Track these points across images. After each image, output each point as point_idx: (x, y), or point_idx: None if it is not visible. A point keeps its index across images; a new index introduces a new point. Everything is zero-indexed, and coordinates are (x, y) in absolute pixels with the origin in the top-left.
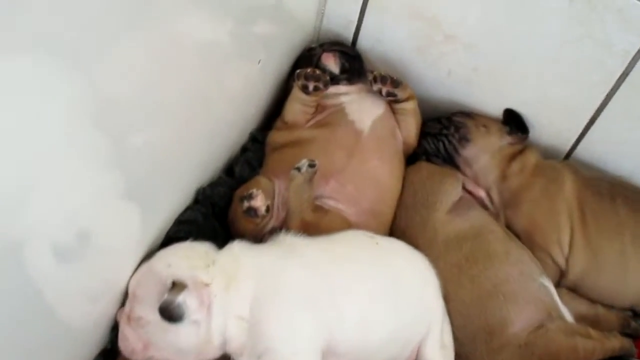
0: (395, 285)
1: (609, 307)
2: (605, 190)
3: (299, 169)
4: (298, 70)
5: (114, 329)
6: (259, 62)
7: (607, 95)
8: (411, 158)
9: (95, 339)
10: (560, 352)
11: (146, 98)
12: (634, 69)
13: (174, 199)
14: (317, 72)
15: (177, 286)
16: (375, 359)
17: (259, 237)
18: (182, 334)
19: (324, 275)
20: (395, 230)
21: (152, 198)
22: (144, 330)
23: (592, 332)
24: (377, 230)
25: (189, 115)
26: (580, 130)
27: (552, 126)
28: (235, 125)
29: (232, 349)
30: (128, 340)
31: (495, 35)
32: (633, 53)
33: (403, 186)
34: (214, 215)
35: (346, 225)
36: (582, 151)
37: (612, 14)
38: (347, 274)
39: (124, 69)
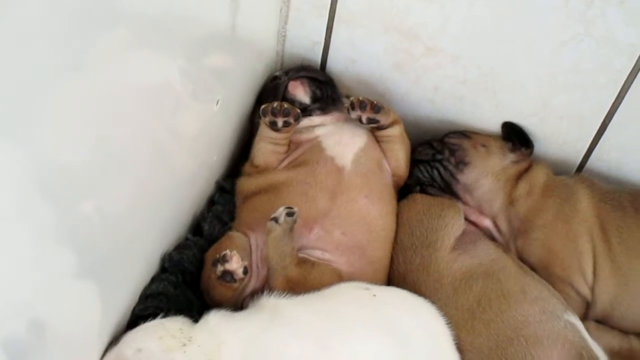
0: (401, 343)
1: None
2: (627, 203)
3: (276, 220)
4: (263, 106)
5: None
6: (217, 103)
7: (618, 96)
8: (403, 191)
9: None
10: None
11: (91, 158)
12: None
13: (136, 270)
14: (285, 105)
15: None
16: None
17: (239, 303)
18: None
19: (317, 339)
20: (394, 276)
21: (111, 273)
22: None
23: None
24: (374, 280)
25: (143, 172)
26: (591, 139)
27: (559, 137)
28: (197, 175)
29: None
30: None
31: (483, 42)
32: None
33: (397, 225)
34: (185, 283)
35: (337, 277)
36: (596, 162)
37: (613, 6)
38: (345, 335)
39: (60, 127)
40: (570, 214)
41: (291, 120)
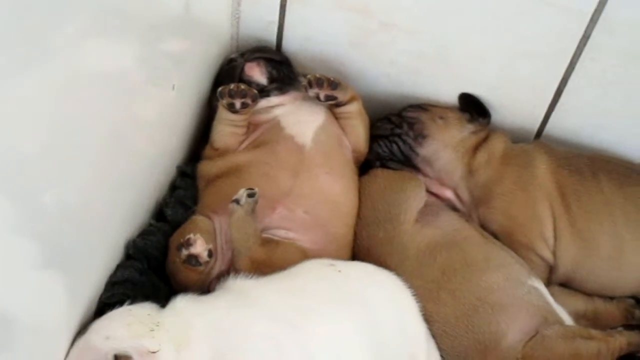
0: (367, 317)
1: (608, 298)
2: (585, 167)
3: (237, 201)
4: (220, 88)
5: None
6: (173, 88)
7: (570, 62)
8: (364, 166)
9: None
10: None
11: (48, 147)
12: (595, 30)
13: (100, 258)
14: (242, 86)
15: None
16: None
17: (205, 286)
18: None
19: (284, 317)
20: (358, 251)
21: (75, 262)
22: None
23: (594, 332)
24: (338, 255)
25: (101, 159)
26: (547, 106)
27: (516, 105)
28: (158, 161)
29: None
30: None
31: (437, 15)
32: (590, 13)
33: (360, 200)
34: (151, 269)
35: (302, 255)
36: (553, 128)
37: None
38: (312, 312)
39: (15, 118)
40: (529, 181)
41: (249, 101)
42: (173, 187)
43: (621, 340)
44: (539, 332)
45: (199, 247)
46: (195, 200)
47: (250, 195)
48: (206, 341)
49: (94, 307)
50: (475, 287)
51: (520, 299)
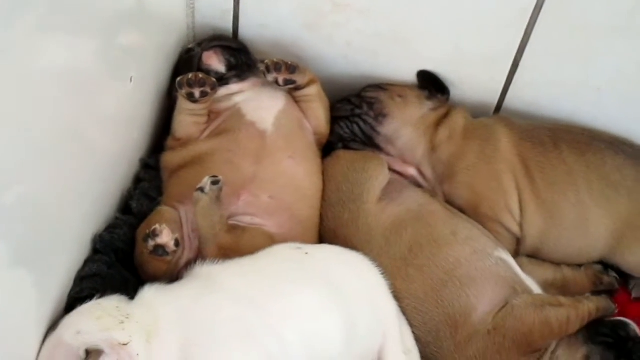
0: (336, 297)
1: (576, 266)
2: (546, 139)
3: (202, 190)
4: (179, 78)
5: None
6: (131, 80)
7: (525, 34)
8: (327, 149)
9: None
10: (533, 330)
11: (7, 146)
12: (547, 1)
13: (68, 254)
14: (201, 75)
15: (91, 355)
16: None
17: (174, 276)
18: None
19: (252, 301)
20: (325, 233)
21: (42, 259)
22: None
23: (563, 299)
24: (305, 239)
25: (62, 156)
26: (504, 79)
27: (474, 80)
28: (120, 155)
29: None
30: None
31: None
32: None
33: (324, 182)
34: (119, 262)
35: (269, 240)
36: (512, 100)
37: None
38: (279, 294)
39: None
40: (492, 154)
41: (208, 89)
42: (137, 180)
43: (590, 305)
44: (508, 302)
45: (166, 237)
46: (160, 191)
47: (215, 183)
48: (175, 329)
49: (63, 303)
50: (442, 262)
51: (488, 271)
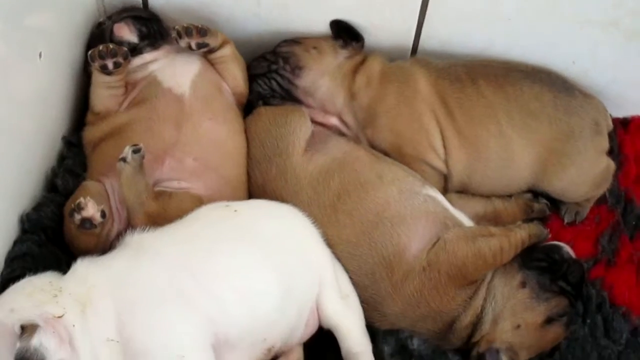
0: (268, 249)
1: (506, 197)
2: (463, 75)
3: (124, 159)
4: (90, 51)
5: None
6: (40, 56)
7: None
8: (248, 108)
9: None
10: (467, 262)
11: None
12: None
13: None
14: (111, 46)
15: (27, 330)
16: (274, 335)
17: (107, 249)
18: None
19: (184, 264)
20: (254, 190)
21: None
22: None
23: (494, 229)
24: (234, 197)
25: None
26: (416, 20)
27: (387, 24)
28: (40, 134)
29: None
30: None
31: None
32: None
33: (248, 140)
34: (50, 240)
35: (197, 202)
36: (426, 41)
37: None
38: (211, 254)
39: None
40: (411, 95)
41: (120, 60)
42: (62, 158)
43: (521, 233)
44: (440, 237)
45: (91, 209)
46: (84, 167)
47: (136, 152)
48: (110, 298)
49: None
50: (371, 204)
51: (417, 208)
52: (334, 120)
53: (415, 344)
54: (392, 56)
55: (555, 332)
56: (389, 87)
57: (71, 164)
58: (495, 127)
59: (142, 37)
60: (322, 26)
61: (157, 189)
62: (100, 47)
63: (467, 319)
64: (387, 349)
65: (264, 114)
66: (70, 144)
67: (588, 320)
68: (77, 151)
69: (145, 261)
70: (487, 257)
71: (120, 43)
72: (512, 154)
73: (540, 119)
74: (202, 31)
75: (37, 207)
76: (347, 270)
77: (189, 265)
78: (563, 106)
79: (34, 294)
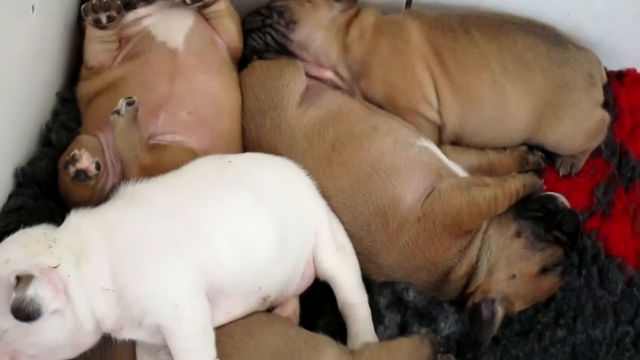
0: (262, 198)
1: (501, 149)
2: (457, 25)
3: (118, 112)
4: (83, 5)
5: None
6: (33, 9)
7: None
8: (242, 63)
9: None
10: (461, 211)
11: None
12: None
13: None
14: (105, 0)
15: (22, 280)
16: (269, 285)
17: (102, 201)
18: (48, 330)
19: (177, 213)
20: (248, 144)
21: None
22: (3, 341)
23: (489, 179)
24: (229, 151)
25: None
26: None
27: None
28: (35, 90)
29: (109, 326)
30: None
31: None
32: None
33: (242, 94)
34: (45, 195)
35: (191, 155)
36: None
37: None
38: (204, 203)
39: None
40: (404, 47)
41: (114, 13)
42: (56, 114)
43: (516, 183)
44: (435, 188)
45: (86, 161)
46: (79, 122)
47: (130, 104)
48: (104, 247)
49: None
50: (366, 156)
51: (412, 159)
52: (328, 74)
53: (410, 295)
54: (386, 9)
55: (551, 281)
56: (381, 39)
57: (65, 119)
58: (488, 77)
59: None
60: None
61: (151, 142)
62: (94, 1)
63: (462, 269)
64: (382, 301)
65: (259, 68)
66: (64, 100)
67: (583, 271)
68: (72, 106)
69: (139, 210)
70: (482, 206)
71: None
72: (506, 104)
73: (534, 70)
74: None
75: (32, 162)
76: (342, 222)
77: (182, 213)
78: (557, 58)
79: (29, 245)
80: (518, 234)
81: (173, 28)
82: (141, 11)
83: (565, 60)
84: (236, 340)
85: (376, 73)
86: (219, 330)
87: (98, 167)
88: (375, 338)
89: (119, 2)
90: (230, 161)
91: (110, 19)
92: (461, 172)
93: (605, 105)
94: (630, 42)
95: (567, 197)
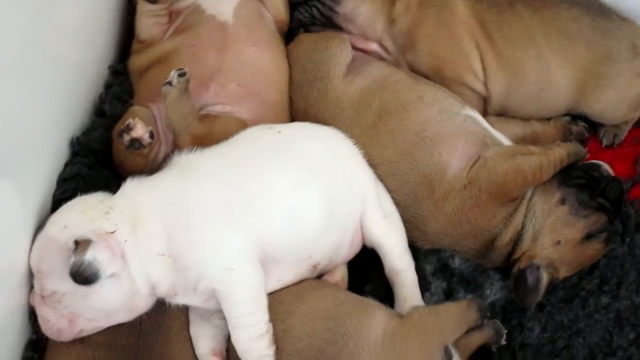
0: (312, 168)
1: (545, 120)
2: None
3: (169, 83)
4: None
5: (32, 315)
6: None
7: None
8: (289, 36)
9: (16, 335)
10: (507, 179)
11: None
12: None
13: (46, 159)
14: None
15: (80, 244)
16: (319, 253)
17: (154, 170)
18: (105, 294)
19: (230, 181)
20: (296, 114)
21: (21, 166)
22: (62, 305)
23: (534, 148)
24: (277, 121)
25: (27, 68)
26: None
27: None
28: (88, 63)
29: (163, 291)
30: (49, 321)
31: None
32: None
33: (290, 66)
34: (99, 163)
35: (241, 125)
36: None
37: None
38: (255, 171)
39: None
40: (450, 19)
41: None
42: (108, 86)
43: (560, 151)
44: (480, 156)
45: (140, 130)
46: (131, 94)
47: (181, 75)
48: (159, 214)
49: (49, 205)
50: (412, 124)
51: (458, 128)
52: (374, 46)
53: (456, 262)
54: None
55: (595, 248)
56: (427, 11)
57: (118, 91)
58: (533, 49)
59: None
60: None
61: (202, 112)
62: None
63: (507, 236)
64: (429, 268)
65: (305, 40)
66: (117, 72)
67: (627, 239)
68: (124, 79)
69: (193, 179)
70: (527, 173)
71: None
72: (550, 76)
73: (577, 42)
74: None
75: (86, 132)
76: (388, 190)
77: (235, 182)
78: (600, 29)
79: (87, 211)
80: (562, 201)
81: (222, 1)
82: None
83: (609, 30)
84: (287, 304)
85: (422, 45)
86: (271, 295)
87: (152, 135)
88: (422, 303)
89: None
90: (279, 131)
91: None
92: (506, 142)
93: None
94: None
95: (611, 167)
